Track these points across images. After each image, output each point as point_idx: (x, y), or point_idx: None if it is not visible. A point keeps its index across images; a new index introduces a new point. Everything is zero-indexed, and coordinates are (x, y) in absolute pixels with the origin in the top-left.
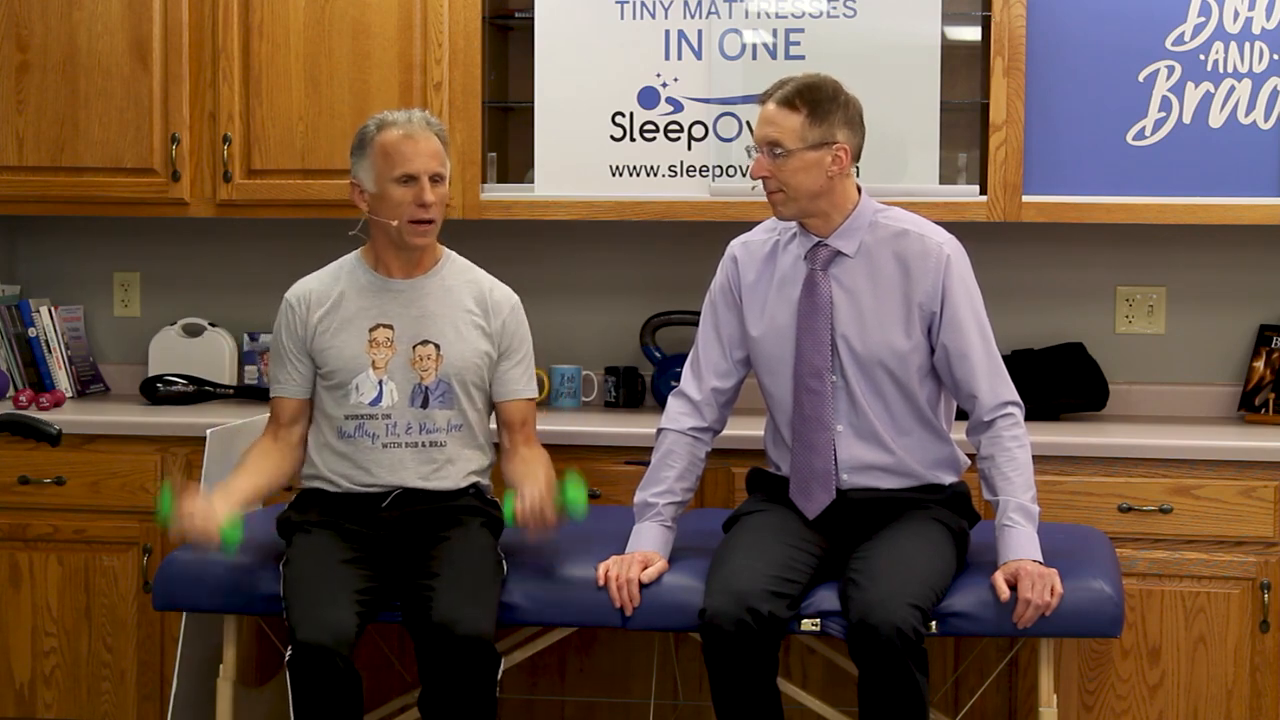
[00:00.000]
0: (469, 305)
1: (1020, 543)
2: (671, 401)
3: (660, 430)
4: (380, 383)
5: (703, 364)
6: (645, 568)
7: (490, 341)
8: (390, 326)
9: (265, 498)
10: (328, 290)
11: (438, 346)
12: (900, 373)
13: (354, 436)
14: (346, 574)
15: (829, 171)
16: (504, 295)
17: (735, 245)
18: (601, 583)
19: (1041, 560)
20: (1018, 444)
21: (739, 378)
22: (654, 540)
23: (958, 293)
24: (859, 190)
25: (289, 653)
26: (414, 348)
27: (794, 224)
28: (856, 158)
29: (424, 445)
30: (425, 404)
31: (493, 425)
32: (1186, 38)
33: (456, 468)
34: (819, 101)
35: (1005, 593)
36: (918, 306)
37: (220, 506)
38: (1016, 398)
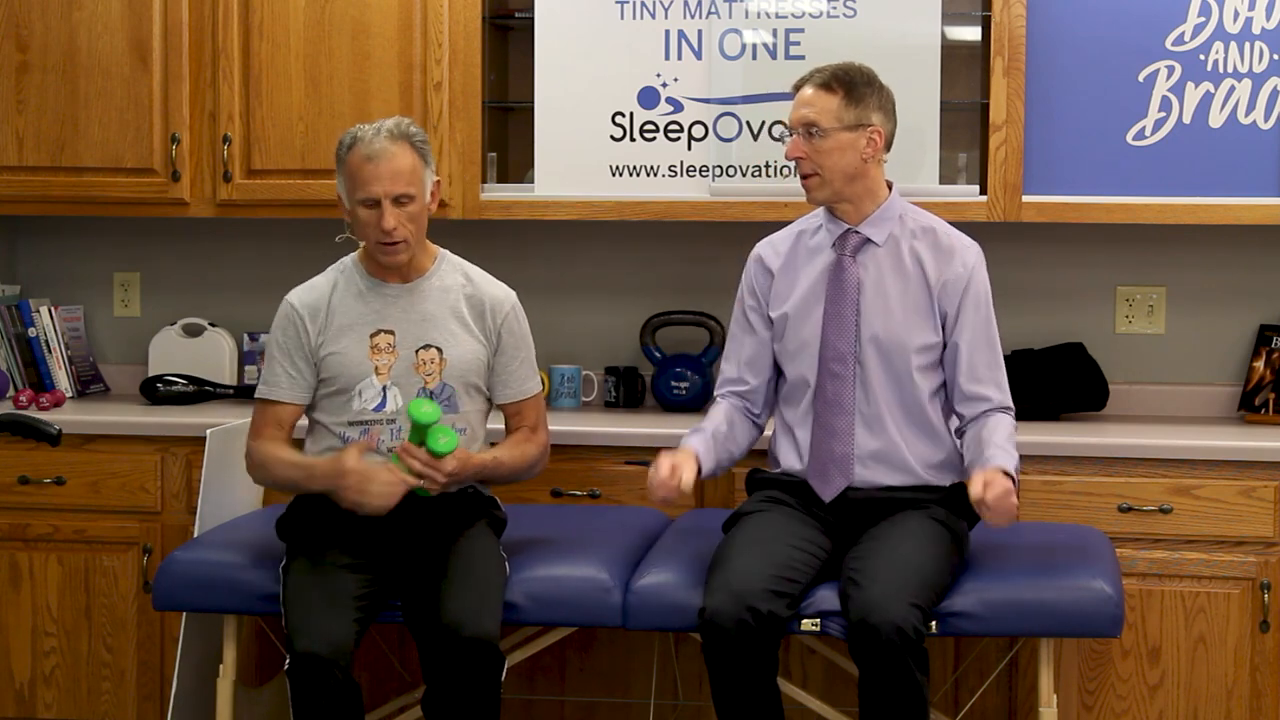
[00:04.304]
0: (466, 306)
1: (999, 458)
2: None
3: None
4: (384, 389)
5: (735, 364)
6: (674, 470)
7: (486, 343)
8: (391, 332)
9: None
10: (324, 297)
11: (440, 350)
12: (917, 364)
13: (357, 442)
14: (345, 581)
15: (863, 154)
16: (502, 294)
17: (759, 245)
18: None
19: (1015, 477)
20: (1004, 423)
21: (768, 377)
22: (694, 442)
23: (977, 295)
24: (889, 186)
25: (288, 662)
26: (416, 352)
27: (819, 219)
28: (888, 145)
29: None
30: None
31: (491, 425)
32: (1186, 38)
33: None
34: (855, 84)
35: (978, 490)
36: (938, 302)
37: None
38: (1012, 405)
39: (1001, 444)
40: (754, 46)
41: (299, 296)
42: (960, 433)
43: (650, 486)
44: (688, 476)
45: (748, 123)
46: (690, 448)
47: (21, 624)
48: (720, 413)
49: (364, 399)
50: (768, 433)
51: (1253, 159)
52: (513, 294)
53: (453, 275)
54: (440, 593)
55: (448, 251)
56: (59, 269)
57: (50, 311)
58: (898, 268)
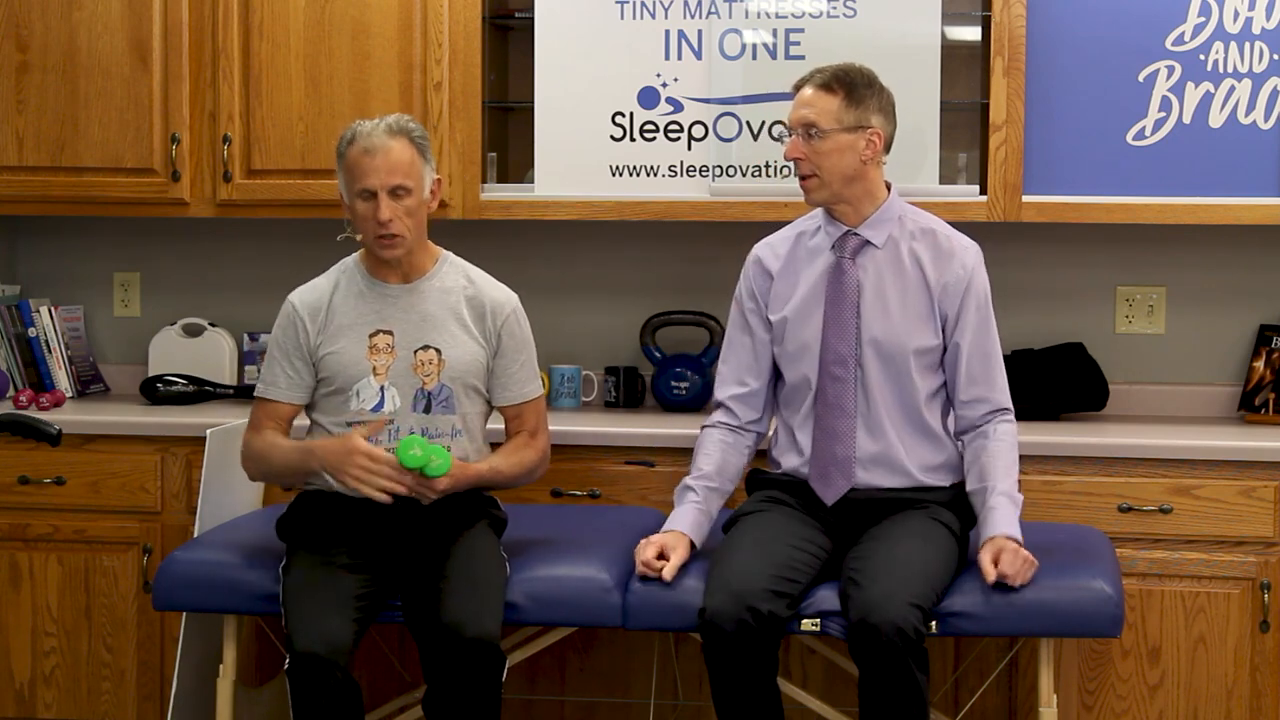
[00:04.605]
0: (466, 308)
1: (1003, 521)
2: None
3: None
4: (381, 389)
5: (734, 366)
6: (660, 553)
7: (486, 345)
8: (390, 332)
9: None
10: (324, 297)
11: (439, 351)
12: (917, 367)
13: (364, 425)
14: (344, 580)
15: (862, 156)
16: (504, 297)
17: (757, 247)
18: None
19: (1021, 540)
20: (1007, 439)
21: (768, 379)
22: (682, 521)
23: (978, 296)
24: (888, 187)
25: (287, 662)
26: (415, 353)
27: (819, 219)
28: (888, 148)
29: None
30: (428, 409)
31: (490, 425)
32: (1186, 38)
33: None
34: (855, 86)
35: (991, 573)
36: (938, 304)
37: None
38: (1011, 405)
39: (1003, 489)
40: (754, 46)
41: (300, 296)
42: (960, 435)
43: (637, 560)
44: (670, 572)
45: (748, 123)
46: (683, 532)
47: (21, 624)
48: (715, 449)
49: (361, 399)
50: (769, 434)
51: (1253, 159)
52: (514, 296)
53: (454, 276)
54: (441, 593)
55: (451, 253)
56: (59, 269)
57: (50, 311)
58: (897, 270)
